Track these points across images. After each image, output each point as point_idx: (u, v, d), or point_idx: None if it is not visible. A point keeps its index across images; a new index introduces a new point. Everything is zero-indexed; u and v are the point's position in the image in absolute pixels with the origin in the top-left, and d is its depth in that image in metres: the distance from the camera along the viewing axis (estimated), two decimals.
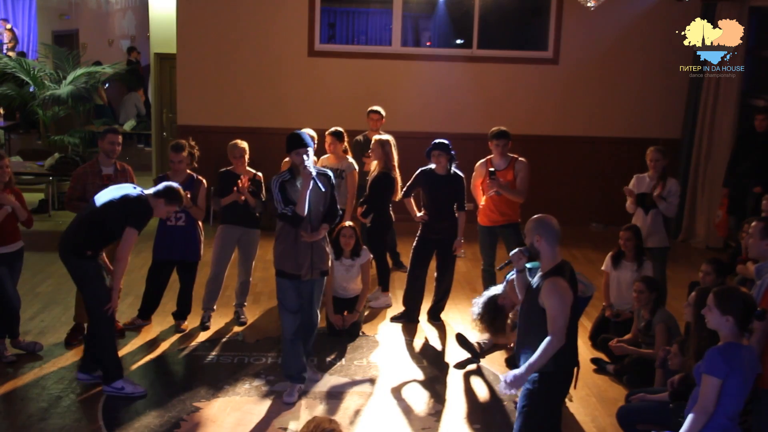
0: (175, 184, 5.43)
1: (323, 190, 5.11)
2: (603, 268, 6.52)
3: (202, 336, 6.34)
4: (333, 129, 7.07)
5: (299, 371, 5.37)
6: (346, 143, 7.14)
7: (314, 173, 5.05)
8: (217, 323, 6.61)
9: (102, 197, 5.30)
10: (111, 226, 5.20)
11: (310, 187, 5.02)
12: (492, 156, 6.78)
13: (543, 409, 4.05)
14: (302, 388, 5.40)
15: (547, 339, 3.90)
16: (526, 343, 4.09)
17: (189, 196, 6.17)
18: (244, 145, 6.43)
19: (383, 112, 7.89)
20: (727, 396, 3.74)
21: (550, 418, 4.09)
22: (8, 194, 5.70)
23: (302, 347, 5.42)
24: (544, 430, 4.09)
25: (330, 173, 5.36)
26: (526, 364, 3.95)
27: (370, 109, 7.90)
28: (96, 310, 5.25)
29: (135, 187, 5.44)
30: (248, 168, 6.46)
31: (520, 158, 6.74)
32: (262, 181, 6.48)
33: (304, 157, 5.03)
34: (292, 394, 5.32)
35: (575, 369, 4.13)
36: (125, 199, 5.24)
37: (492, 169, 6.67)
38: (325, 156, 7.10)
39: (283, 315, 5.32)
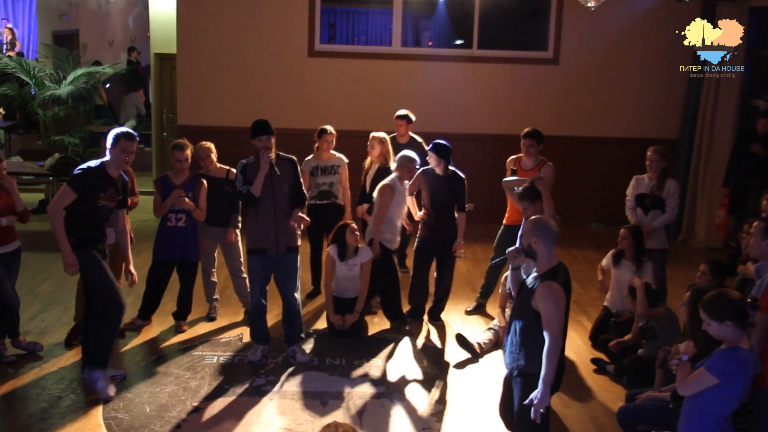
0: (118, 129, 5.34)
1: (278, 174, 5.62)
2: (603, 263, 6.51)
3: (203, 331, 6.36)
4: (329, 127, 7.09)
5: (264, 335, 5.95)
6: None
7: (274, 159, 5.60)
8: (217, 323, 6.62)
9: None
10: (76, 209, 5.21)
11: (266, 171, 5.56)
12: (522, 154, 6.78)
13: (527, 405, 4.07)
14: (265, 349, 5.95)
15: (546, 346, 3.95)
16: (514, 340, 4.19)
17: (191, 196, 6.20)
18: (209, 144, 6.50)
19: (413, 117, 7.71)
20: (727, 399, 3.80)
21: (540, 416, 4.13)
22: (6, 197, 5.71)
23: (266, 316, 5.94)
24: (530, 421, 4.12)
25: (294, 158, 5.84)
26: (541, 381, 3.98)
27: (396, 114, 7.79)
28: (89, 302, 5.27)
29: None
30: (220, 165, 6.52)
31: (548, 162, 6.72)
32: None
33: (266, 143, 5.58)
34: (255, 353, 5.92)
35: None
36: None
37: (513, 168, 6.68)
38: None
39: (252, 284, 5.88)
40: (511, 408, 4.31)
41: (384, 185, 6.46)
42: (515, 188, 6.34)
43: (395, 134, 7.68)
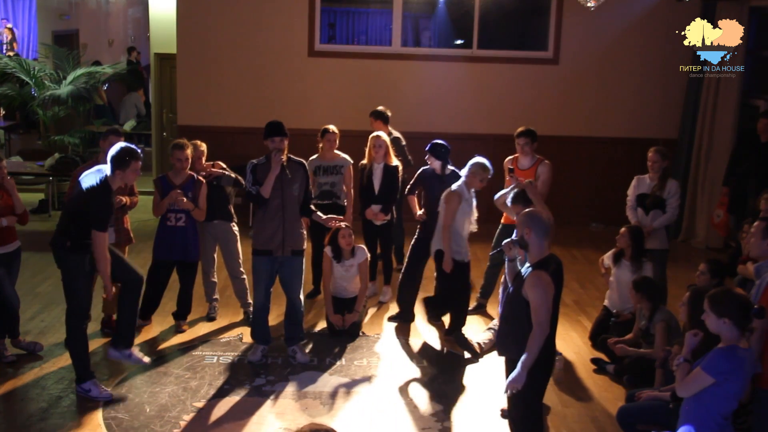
0: (122, 145, 5.15)
1: (289, 177, 5.60)
2: (606, 259, 6.52)
3: (203, 331, 6.36)
4: (332, 127, 7.09)
5: (265, 335, 5.97)
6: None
7: (285, 161, 5.59)
8: (217, 323, 6.62)
9: (83, 181, 5.12)
10: (80, 218, 5.06)
11: (277, 173, 5.55)
12: (518, 155, 6.78)
13: (526, 396, 4.21)
14: (266, 349, 5.96)
15: (533, 331, 4.10)
16: (505, 328, 4.40)
17: (190, 196, 6.20)
18: (204, 148, 6.53)
19: (388, 114, 7.75)
20: (724, 398, 3.81)
21: (533, 402, 4.33)
22: (7, 198, 5.71)
23: (268, 317, 5.97)
24: (528, 413, 4.33)
25: (305, 163, 5.86)
26: (521, 363, 4.12)
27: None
28: (69, 305, 5.21)
29: (99, 171, 5.09)
30: (205, 163, 6.56)
31: (545, 160, 6.72)
32: (222, 165, 6.60)
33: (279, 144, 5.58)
34: (255, 353, 5.94)
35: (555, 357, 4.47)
36: (89, 191, 5.02)
37: (511, 167, 6.68)
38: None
39: (256, 288, 5.84)
40: None
41: (451, 192, 6.13)
42: (507, 203, 6.19)
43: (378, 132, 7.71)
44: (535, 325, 4.08)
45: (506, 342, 4.38)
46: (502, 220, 6.84)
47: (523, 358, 4.10)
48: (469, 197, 6.19)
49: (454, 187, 6.19)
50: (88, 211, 5.02)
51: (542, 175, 6.61)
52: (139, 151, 5.14)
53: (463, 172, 6.23)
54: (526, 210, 4.46)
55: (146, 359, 5.65)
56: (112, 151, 5.07)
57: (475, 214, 6.29)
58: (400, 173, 6.98)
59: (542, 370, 4.21)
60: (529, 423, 4.37)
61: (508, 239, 4.46)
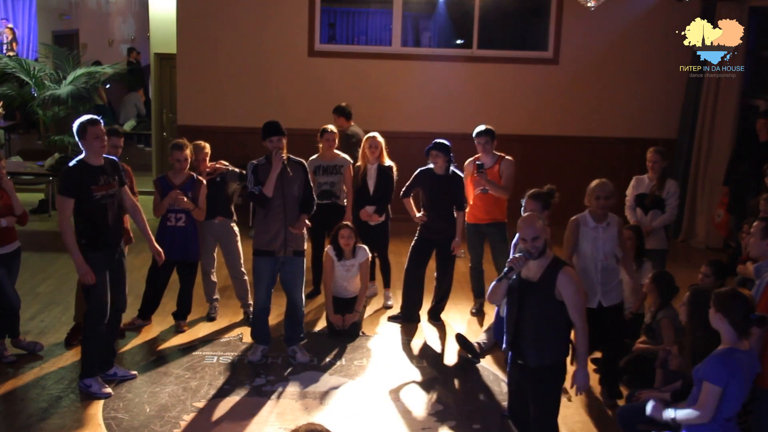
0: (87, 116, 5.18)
1: (290, 175, 5.61)
2: None
3: (203, 331, 6.36)
4: (331, 127, 7.12)
5: (265, 335, 5.97)
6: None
7: (286, 160, 5.61)
8: (217, 323, 6.62)
9: None
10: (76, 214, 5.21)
11: (278, 171, 5.56)
12: (480, 155, 6.80)
13: (555, 396, 4.26)
14: (266, 349, 5.95)
15: (577, 328, 4.11)
16: (540, 337, 4.12)
17: (190, 195, 6.21)
18: (208, 151, 6.52)
19: (350, 111, 8.15)
20: (726, 401, 3.81)
21: (554, 404, 4.31)
22: (7, 198, 5.71)
23: (268, 317, 5.98)
24: (555, 413, 4.31)
25: (304, 162, 5.86)
26: (580, 363, 4.18)
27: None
28: (88, 303, 5.24)
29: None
30: (208, 163, 6.57)
31: (506, 157, 6.76)
32: (225, 163, 6.60)
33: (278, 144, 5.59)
34: (255, 353, 5.93)
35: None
36: None
37: (479, 162, 6.67)
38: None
39: (258, 288, 5.83)
40: (527, 408, 4.29)
41: (570, 221, 5.50)
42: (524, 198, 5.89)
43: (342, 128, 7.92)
44: (579, 319, 4.09)
45: (543, 350, 4.13)
46: (466, 219, 6.83)
47: (579, 355, 4.17)
48: (594, 225, 5.35)
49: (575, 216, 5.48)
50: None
51: (506, 171, 6.67)
52: (97, 118, 5.13)
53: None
54: (533, 214, 4.33)
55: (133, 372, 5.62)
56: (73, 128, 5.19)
57: (610, 248, 5.37)
58: (395, 173, 6.99)
59: (558, 372, 4.22)
60: (550, 423, 4.31)
61: (519, 255, 4.10)
